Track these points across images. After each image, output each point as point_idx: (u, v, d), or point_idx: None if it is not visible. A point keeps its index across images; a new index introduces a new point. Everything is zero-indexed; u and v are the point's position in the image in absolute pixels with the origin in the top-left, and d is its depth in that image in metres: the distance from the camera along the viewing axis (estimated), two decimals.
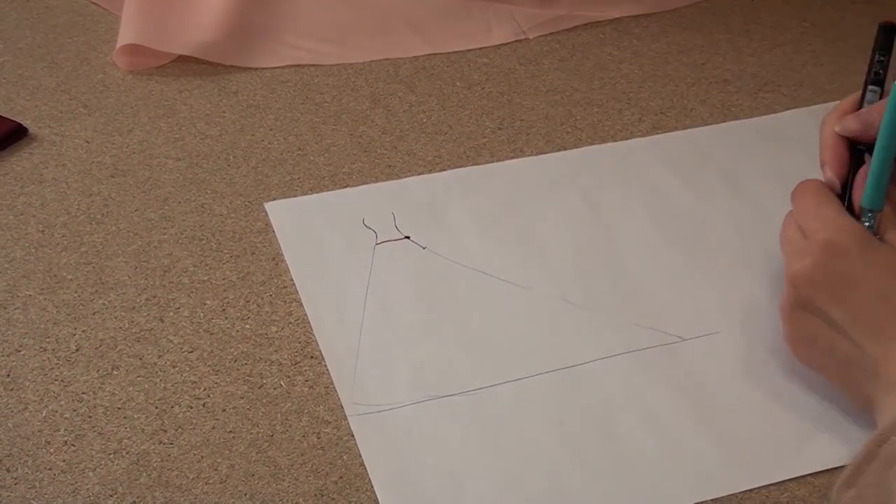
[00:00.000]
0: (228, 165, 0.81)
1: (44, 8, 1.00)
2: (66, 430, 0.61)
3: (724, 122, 0.87)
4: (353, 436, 0.61)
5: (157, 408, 0.63)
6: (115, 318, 0.68)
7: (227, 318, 0.69)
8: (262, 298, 0.70)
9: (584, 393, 0.64)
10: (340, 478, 0.59)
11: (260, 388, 0.64)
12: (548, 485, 0.59)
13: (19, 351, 0.66)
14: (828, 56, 0.96)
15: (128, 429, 0.62)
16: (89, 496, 0.58)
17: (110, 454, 0.60)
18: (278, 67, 0.93)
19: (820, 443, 0.62)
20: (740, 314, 0.69)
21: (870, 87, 0.67)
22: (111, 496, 0.58)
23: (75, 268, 0.72)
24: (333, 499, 0.58)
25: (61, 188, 0.79)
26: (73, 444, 0.61)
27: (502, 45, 0.97)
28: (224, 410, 0.63)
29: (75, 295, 0.70)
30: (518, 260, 0.73)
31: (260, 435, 0.61)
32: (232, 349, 0.67)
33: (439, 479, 0.59)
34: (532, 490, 0.59)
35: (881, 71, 0.67)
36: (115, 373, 0.65)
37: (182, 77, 0.91)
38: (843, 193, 0.64)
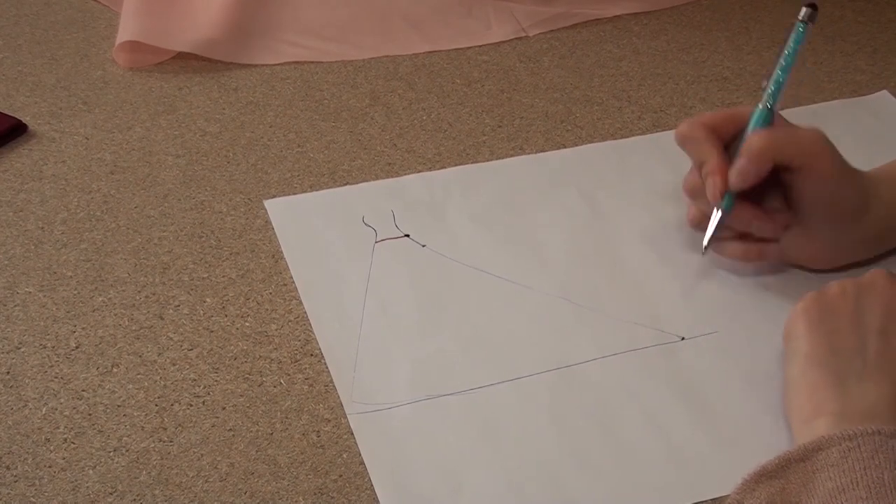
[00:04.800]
0: (228, 163, 0.81)
1: (43, 4, 1.00)
2: (65, 427, 0.61)
3: None
4: (352, 434, 0.61)
5: (156, 405, 0.63)
6: (115, 315, 0.68)
7: (226, 316, 0.69)
8: (262, 296, 0.70)
9: (583, 392, 0.64)
10: (340, 476, 0.59)
11: (259, 386, 0.64)
12: (547, 484, 0.59)
13: (19, 348, 0.66)
14: (827, 54, 0.96)
15: (127, 426, 0.62)
16: (89, 494, 0.58)
17: (110, 452, 0.60)
18: (278, 65, 0.93)
19: None
20: (740, 314, 0.69)
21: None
22: (111, 494, 0.58)
23: (75, 265, 0.72)
24: (333, 497, 0.58)
25: (61, 185, 0.79)
26: (72, 442, 0.61)
27: (502, 42, 0.97)
28: (224, 408, 0.63)
29: (75, 292, 0.70)
30: (518, 258, 0.73)
31: (260, 433, 0.61)
32: (232, 347, 0.67)
33: (438, 478, 0.59)
34: (531, 489, 0.59)
35: None
36: (114, 370, 0.65)
37: (182, 74, 0.91)
38: None
